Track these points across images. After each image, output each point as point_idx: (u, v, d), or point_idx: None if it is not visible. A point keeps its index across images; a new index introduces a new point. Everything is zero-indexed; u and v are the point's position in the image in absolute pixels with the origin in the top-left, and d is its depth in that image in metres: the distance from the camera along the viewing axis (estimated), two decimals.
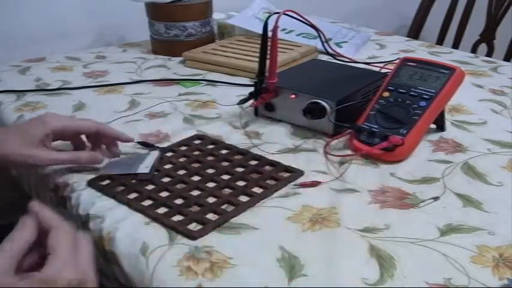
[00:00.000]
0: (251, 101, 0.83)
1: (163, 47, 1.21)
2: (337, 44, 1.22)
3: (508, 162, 0.72)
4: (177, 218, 0.60)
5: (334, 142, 0.77)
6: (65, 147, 0.72)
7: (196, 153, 0.74)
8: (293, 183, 0.67)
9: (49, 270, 0.46)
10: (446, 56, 1.21)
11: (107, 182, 0.67)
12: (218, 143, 0.77)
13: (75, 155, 0.70)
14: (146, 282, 0.52)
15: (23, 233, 0.48)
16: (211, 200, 0.63)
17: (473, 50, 1.60)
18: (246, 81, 1.03)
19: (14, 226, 0.49)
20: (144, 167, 0.69)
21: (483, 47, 1.62)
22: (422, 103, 0.74)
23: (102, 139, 0.73)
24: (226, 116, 0.88)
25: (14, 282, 0.44)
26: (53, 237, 0.48)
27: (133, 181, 0.67)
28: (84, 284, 0.47)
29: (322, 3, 1.70)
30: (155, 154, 0.72)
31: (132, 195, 0.64)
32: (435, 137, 0.79)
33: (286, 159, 0.72)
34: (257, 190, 0.65)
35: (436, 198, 0.64)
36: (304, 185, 0.66)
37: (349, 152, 0.74)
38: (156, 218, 0.60)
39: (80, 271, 0.48)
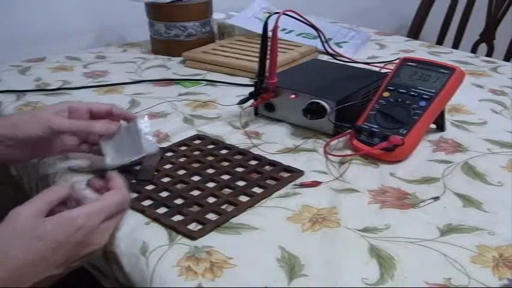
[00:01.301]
0: (251, 101, 0.83)
1: (163, 47, 1.21)
2: (337, 44, 1.22)
3: (508, 162, 0.72)
4: (177, 218, 0.60)
5: (334, 142, 0.77)
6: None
7: (196, 153, 0.74)
8: (293, 183, 0.67)
9: (79, 210, 0.50)
10: (446, 56, 1.21)
11: None
12: (218, 143, 0.77)
13: (90, 122, 0.67)
14: (146, 282, 0.52)
15: (59, 189, 0.52)
16: (211, 200, 0.63)
17: (473, 50, 1.60)
18: (246, 81, 1.03)
19: None
20: (149, 143, 0.65)
21: (483, 47, 1.62)
22: (422, 103, 0.74)
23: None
24: (226, 116, 0.88)
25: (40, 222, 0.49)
26: (109, 193, 0.53)
27: (133, 181, 0.67)
28: (90, 240, 0.50)
29: (322, 3, 1.70)
30: (143, 123, 0.66)
31: (132, 195, 0.64)
32: (435, 137, 0.79)
33: (286, 159, 0.72)
34: (257, 190, 0.65)
35: (436, 198, 0.64)
36: (304, 185, 0.66)
37: (349, 152, 0.74)
38: (156, 218, 0.60)
39: (100, 229, 0.51)
